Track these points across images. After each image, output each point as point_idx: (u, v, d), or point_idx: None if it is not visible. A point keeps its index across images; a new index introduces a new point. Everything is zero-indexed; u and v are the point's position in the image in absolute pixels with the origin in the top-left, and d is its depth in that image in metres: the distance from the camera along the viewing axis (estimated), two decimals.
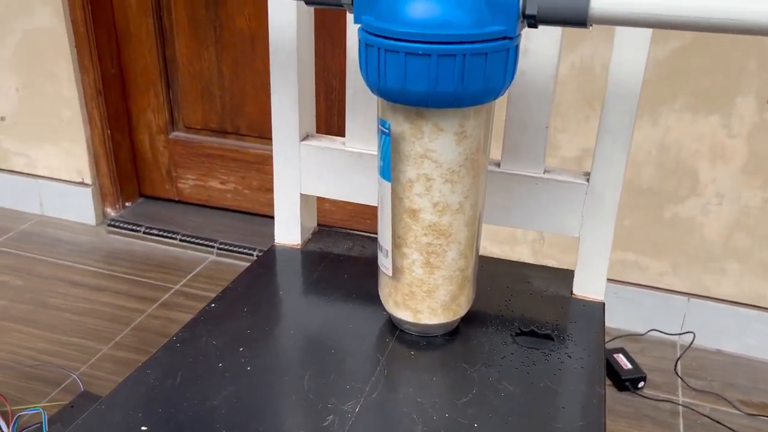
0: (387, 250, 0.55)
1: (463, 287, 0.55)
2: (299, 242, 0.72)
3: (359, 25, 0.49)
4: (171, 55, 1.63)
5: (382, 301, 0.58)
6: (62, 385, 1.17)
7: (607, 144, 0.58)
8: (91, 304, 1.41)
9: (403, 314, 0.56)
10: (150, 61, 1.64)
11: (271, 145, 1.71)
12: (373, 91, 0.50)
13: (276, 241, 0.72)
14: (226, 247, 1.63)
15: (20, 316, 1.36)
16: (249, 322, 0.59)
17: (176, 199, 1.81)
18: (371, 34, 0.47)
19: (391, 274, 0.55)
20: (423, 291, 0.54)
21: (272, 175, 1.68)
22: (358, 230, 1.58)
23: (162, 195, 1.82)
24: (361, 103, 0.65)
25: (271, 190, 1.71)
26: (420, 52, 0.45)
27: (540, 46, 0.57)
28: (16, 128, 1.73)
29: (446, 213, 0.52)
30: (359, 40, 0.49)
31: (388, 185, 0.52)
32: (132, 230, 1.69)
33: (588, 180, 0.60)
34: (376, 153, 0.66)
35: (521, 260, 1.39)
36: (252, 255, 1.60)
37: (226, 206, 1.77)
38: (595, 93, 1.21)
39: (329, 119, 1.57)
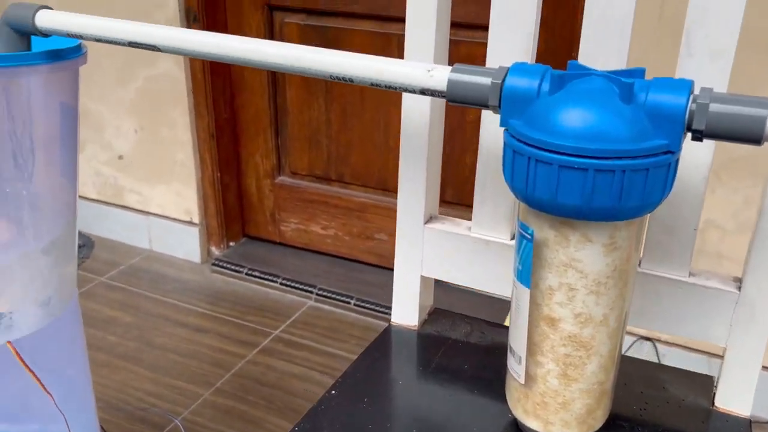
0: (520, 357, 0.52)
1: (600, 401, 0.52)
2: (416, 324, 0.70)
3: (504, 128, 0.48)
4: (282, 104, 1.67)
5: (510, 405, 0.55)
6: (165, 430, 1.20)
7: (763, 254, 0.53)
8: (195, 346, 1.44)
9: (533, 423, 0.53)
10: (261, 108, 1.68)
11: (374, 194, 1.70)
12: (516, 196, 0.48)
13: (392, 320, 0.71)
14: (324, 293, 1.63)
15: (129, 354, 1.41)
16: (370, 415, 0.57)
17: (278, 241, 1.84)
18: (520, 141, 0.45)
19: (522, 382, 0.53)
20: (557, 402, 0.51)
21: (373, 222, 1.68)
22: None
23: (264, 236, 1.86)
24: (490, 190, 0.63)
25: (371, 237, 1.72)
26: (575, 166, 0.43)
27: (694, 155, 0.53)
28: (133, 167, 1.81)
29: (589, 325, 0.49)
30: (504, 143, 0.47)
31: (526, 291, 0.50)
32: (235, 271, 1.73)
33: (739, 288, 0.55)
34: (503, 241, 0.64)
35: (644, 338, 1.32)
36: (349, 303, 1.60)
37: (325, 251, 1.79)
38: (723, 164, 1.14)
39: None
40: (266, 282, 1.69)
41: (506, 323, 1.44)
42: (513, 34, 0.57)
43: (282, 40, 1.59)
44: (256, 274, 1.71)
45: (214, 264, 1.77)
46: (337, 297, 1.62)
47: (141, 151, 1.78)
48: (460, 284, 0.67)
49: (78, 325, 0.91)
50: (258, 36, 1.61)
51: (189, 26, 1.57)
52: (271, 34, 1.60)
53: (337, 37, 1.53)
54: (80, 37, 0.67)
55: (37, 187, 0.80)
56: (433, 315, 0.73)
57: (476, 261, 0.65)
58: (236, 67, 1.67)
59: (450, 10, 0.62)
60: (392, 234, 1.66)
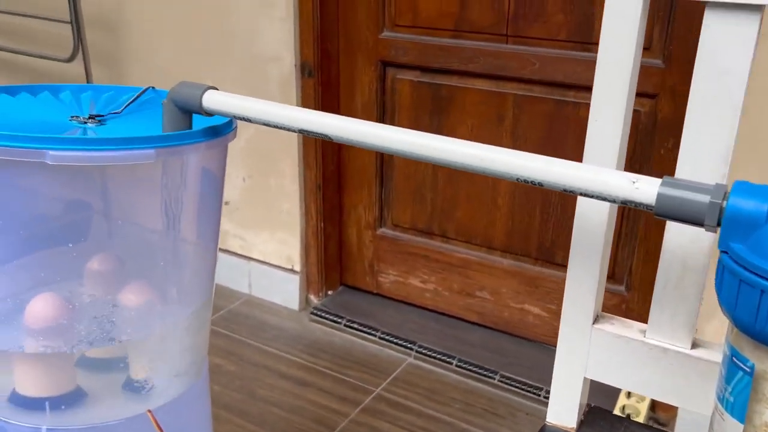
0: None
1: None
2: (574, 426, 0.66)
3: (723, 251, 0.45)
4: (388, 158, 1.67)
5: None
6: None
7: None
8: (298, 400, 1.44)
9: None
10: (368, 161, 1.69)
11: (477, 251, 1.67)
12: (735, 325, 0.44)
13: (548, 420, 0.67)
14: (424, 350, 1.61)
15: (233, 405, 1.42)
16: None
17: (375, 291, 1.83)
18: (748, 270, 0.42)
19: None
20: None
21: (475, 279, 1.65)
22: None
23: (362, 286, 1.85)
24: (671, 297, 0.59)
25: (472, 294, 1.69)
26: None
27: None
28: (238, 213, 1.84)
29: None
30: (723, 266, 0.44)
31: (737, 426, 0.46)
32: (333, 321, 1.73)
33: None
34: (682, 350, 0.60)
35: None
36: (451, 363, 1.56)
37: (423, 305, 1.76)
38: None
39: (543, 233, 1.52)
40: (365, 335, 1.68)
41: (616, 410, 1.37)
42: (710, 144, 0.54)
43: (393, 95, 1.60)
44: (355, 326, 1.70)
45: (312, 313, 1.77)
46: (438, 356, 1.58)
47: (248, 198, 1.81)
48: (628, 389, 0.63)
49: (207, 389, 0.91)
50: (369, 91, 1.63)
51: (303, 81, 1.60)
52: (383, 89, 1.61)
53: (451, 95, 1.53)
54: (247, 120, 0.67)
55: (184, 258, 0.81)
56: (589, 415, 0.69)
57: (650, 368, 0.61)
58: None
59: (633, 105, 0.60)
60: (494, 292, 1.63)
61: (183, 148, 0.70)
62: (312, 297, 1.82)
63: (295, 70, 1.59)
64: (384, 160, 1.69)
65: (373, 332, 1.68)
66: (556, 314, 1.54)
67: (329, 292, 1.85)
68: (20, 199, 0.76)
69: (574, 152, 1.42)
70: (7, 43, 2.08)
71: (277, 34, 1.57)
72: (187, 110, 0.72)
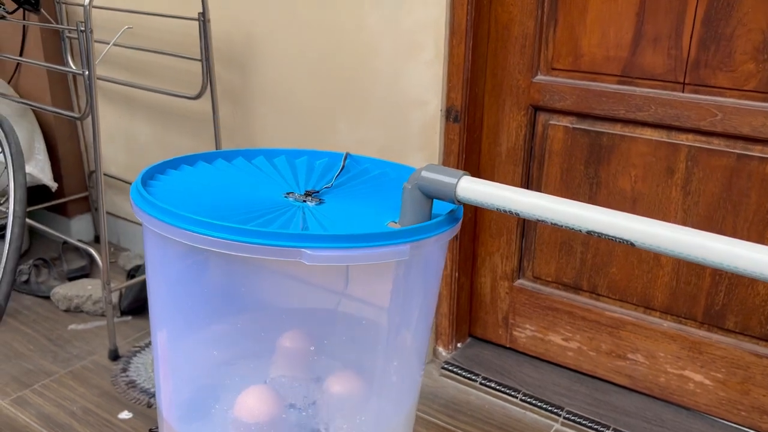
0: None
1: None
2: None
3: None
4: None
5: None
6: None
7: None
8: None
9: None
10: None
11: (633, 311, 1.55)
12: None
13: None
14: (573, 417, 1.49)
15: None
16: None
17: (507, 345, 1.73)
18: None
19: None
20: None
21: (627, 341, 1.52)
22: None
23: (492, 339, 1.75)
24: None
25: (622, 356, 1.56)
26: None
27: None
28: None
29: None
30: None
31: None
32: (468, 378, 1.63)
33: None
34: None
35: None
36: None
37: (564, 364, 1.65)
38: None
39: (713, 295, 1.39)
40: (504, 395, 1.57)
41: None
42: None
43: (544, 142, 1.50)
44: (492, 384, 1.60)
45: (443, 368, 1.67)
46: (590, 424, 1.46)
47: None
48: None
49: None
50: (517, 137, 1.53)
51: (447, 125, 1.52)
52: (532, 135, 1.52)
53: (612, 144, 1.42)
54: (514, 214, 0.59)
55: (402, 349, 0.73)
56: None
57: None
58: (488, 166, 1.60)
59: None
60: (650, 356, 1.50)
61: (429, 240, 0.63)
62: (441, 349, 1.73)
63: (440, 115, 1.51)
64: None
65: (513, 393, 1.57)
66: (722, 383, 1.40)
67: (458, 345, 1.75)
68: (237, 281, 0.70)
69: (757, 212, 1.29)
70: (133, 78, 2.09)
71: (423, 77, 1.50)
72: (431, 197, 0.64)
